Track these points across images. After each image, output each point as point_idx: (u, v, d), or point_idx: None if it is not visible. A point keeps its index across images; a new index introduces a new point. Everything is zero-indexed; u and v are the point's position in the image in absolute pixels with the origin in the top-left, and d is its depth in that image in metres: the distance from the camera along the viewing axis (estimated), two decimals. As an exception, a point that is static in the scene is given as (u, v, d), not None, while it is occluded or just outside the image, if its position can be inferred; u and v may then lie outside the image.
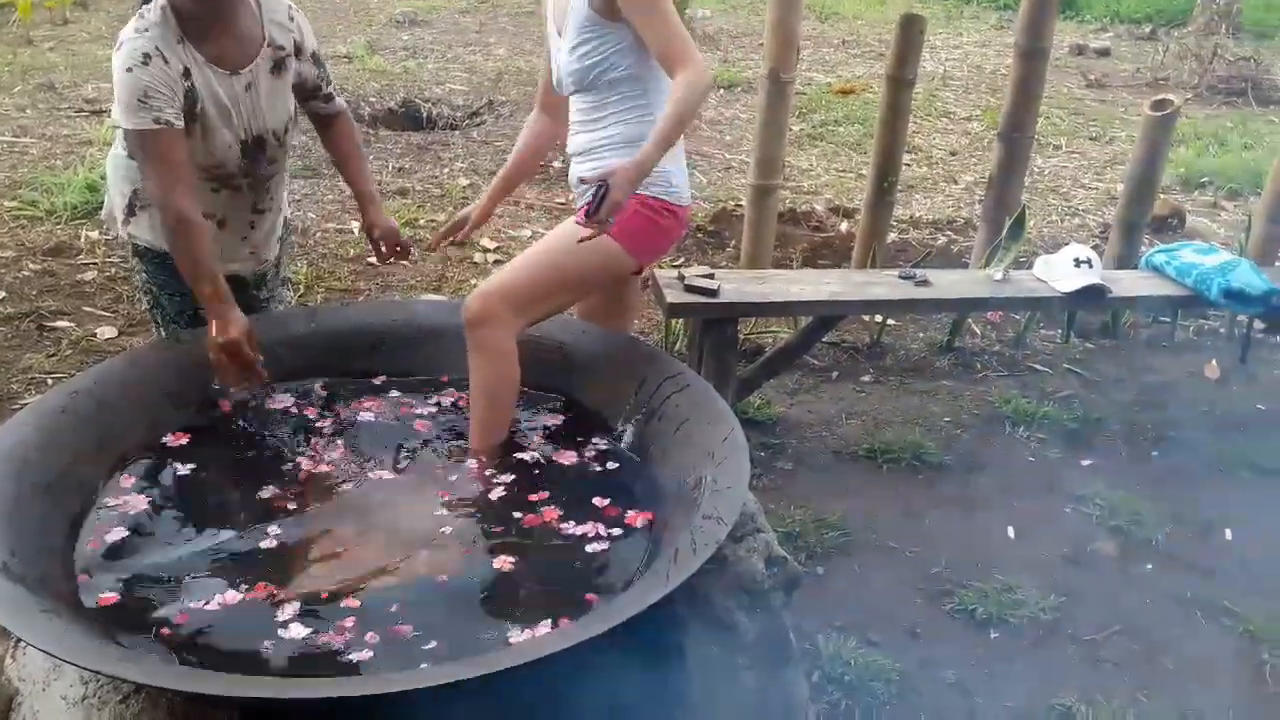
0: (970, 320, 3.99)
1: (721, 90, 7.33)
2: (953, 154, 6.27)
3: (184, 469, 1.95)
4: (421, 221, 4.73)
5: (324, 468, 2.01)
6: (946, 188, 5.70)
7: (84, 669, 1.38)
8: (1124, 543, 2.81)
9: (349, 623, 1.59)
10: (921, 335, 4.00)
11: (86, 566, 1.67)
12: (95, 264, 4.10)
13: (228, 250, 2.24)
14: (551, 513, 1.92)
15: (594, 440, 2.13)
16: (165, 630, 1.55)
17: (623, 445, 2.13)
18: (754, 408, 3.27)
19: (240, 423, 2.10)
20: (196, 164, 2.07)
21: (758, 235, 4.17)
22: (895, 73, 3.87)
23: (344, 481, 1.98)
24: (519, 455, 2.08)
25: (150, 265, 2.26)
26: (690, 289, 2.88)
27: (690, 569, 1.56)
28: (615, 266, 2.17)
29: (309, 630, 1.56)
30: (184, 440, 2.03)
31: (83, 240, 4.27)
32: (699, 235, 4.71)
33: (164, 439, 2.01)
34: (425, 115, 6.79)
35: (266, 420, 2.12)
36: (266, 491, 1.92)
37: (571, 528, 1.88)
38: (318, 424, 2.14)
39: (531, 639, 1.58)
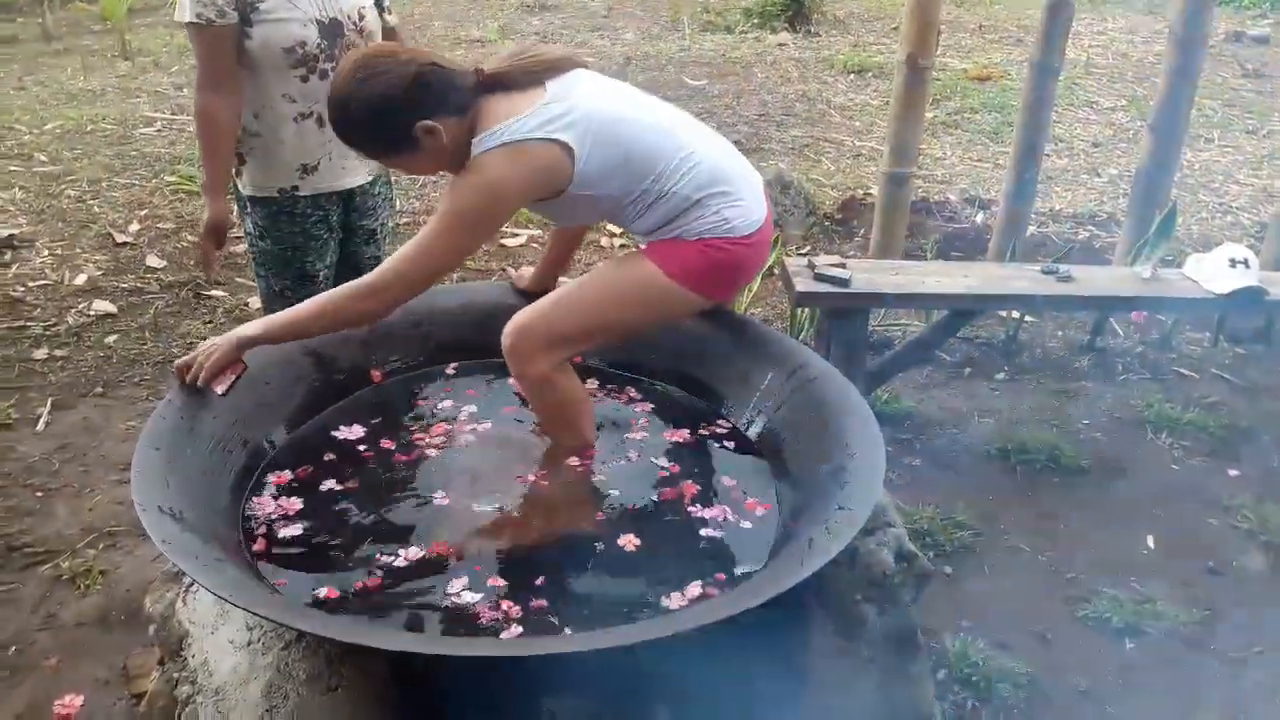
0: (1112, 319, 3.84)
1: (852, 75, 7.21)
2: (1095, 145, 6.02)
3: (342, 432, 2.04)
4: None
5: (466, 438, 2.07)
6: (1089, 180, 5.48)
7: (254, 614, 1.47)
8: (1275, 559, 2.68)
9: (498, 583, 1.65)
10: (1060, 333, 3.87)
11: (250, 521, 1.77)
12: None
13: (337, 154, 2.40)
14: (687, 489, 1.95)
15: (721, 426, 2.14)
16: (329, 590, 1.63)
17: (750, 433, 2.14)
18: (881, 401, 3.23)
19: (390, 391, 2.19)
20: (280, 50, 2.24)
21: (889, 224, 4.09)
22: (1040, 60, 3.74)
23: (482, 454, 2.04)
24: (644, 436, 2.10)
25: (257, 212, 2.44)
26: (820, 278, 2.86)
27: (826, 556, 1.56)
28: (682, 309, 2.01)
29: (460, 596, 1.62)
30: (339, 404, 2.12)
31: (235, 215, 4.48)
32: (826, 224, 4.66)
33: (320, 403, 2.10)
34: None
35: (411, 393, 2.20)
36: (413, 459, 1.99)
37: (700, 510, 1.90)
38: (456, 400, 2.20)
39: (673, 612, 1.61)
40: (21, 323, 3.63)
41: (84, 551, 2.55)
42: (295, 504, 1.83)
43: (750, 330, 2.26)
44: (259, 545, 1.72)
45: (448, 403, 2.18)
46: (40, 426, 3.07)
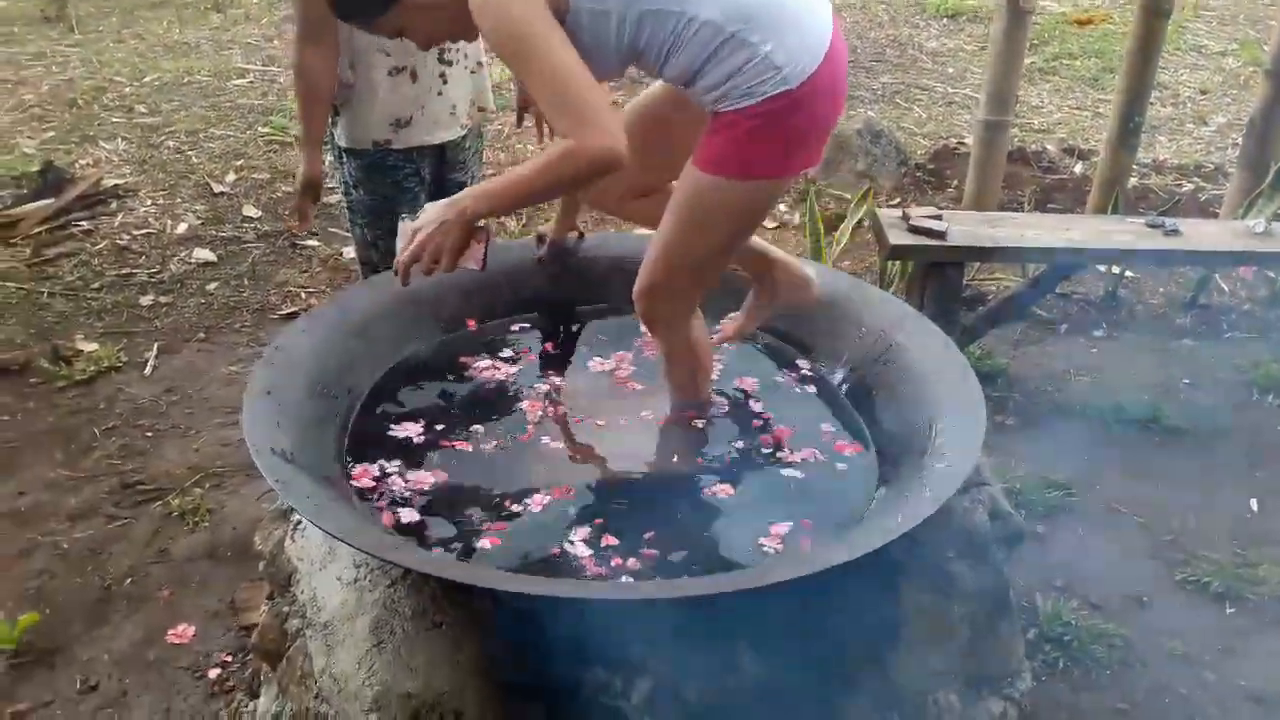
0: (1217, 275, 3.69)
1: (945, 20, 6.98)
2: (1203, 93, 5.75)
3: (444, 381, 2.08)
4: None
5: (570, 389, 2.10)
6: (1195, 130, 5.25)
7: (361, 551, 1.52)
8: (1386, 526, 2.58)
9: (602, 526, 1.70)
10: (1161, 290, 3.73)
11: (357, 463, 1.83)
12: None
13: (429, 109, 2.43)
14: (781, 433, 1.96)
15: (813, 375, 2.14)
16: (433, 529, 1.69)
17: (843, 385, 2.12)
18: (974, 358, 3.16)
19: (490, 339, 2.22)
20: None
21: (984, 175, 3.99)
22: (1149, 2, 3.57)
23: (588, 406, 2.06)
24: (742, 389, 2.10)
25: (351, 163, 2.49)
26: (915, 230, 2.80)
27: (925, 513, 1.55)
28: (765, 199, 1.84)
29: (573, 545, 1.66)
30: (443, 352, 2.16)
31: (328, 164, 4.56)
32: (918, 174, 4.55)
33: (420, 351, 2.15)
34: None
35: (511, 341, 2.23)
36: (522, 404, 2.03)
37: (790, 455, 1.91)
38: (557, 350, 2.23)
39: (765, 563, 1.63)
40: (128, 270, 3.76)
41: (191, 490, 2.66)
42: (403, 447, 1.87)
43: (842, 284, 2.24)
44: (367, 485, 1.77)
45: (541, 349, 2.21)
46: (148, 370, 3.20)
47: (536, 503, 1.76)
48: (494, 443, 1.92)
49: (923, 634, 1.78)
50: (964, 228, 2.86)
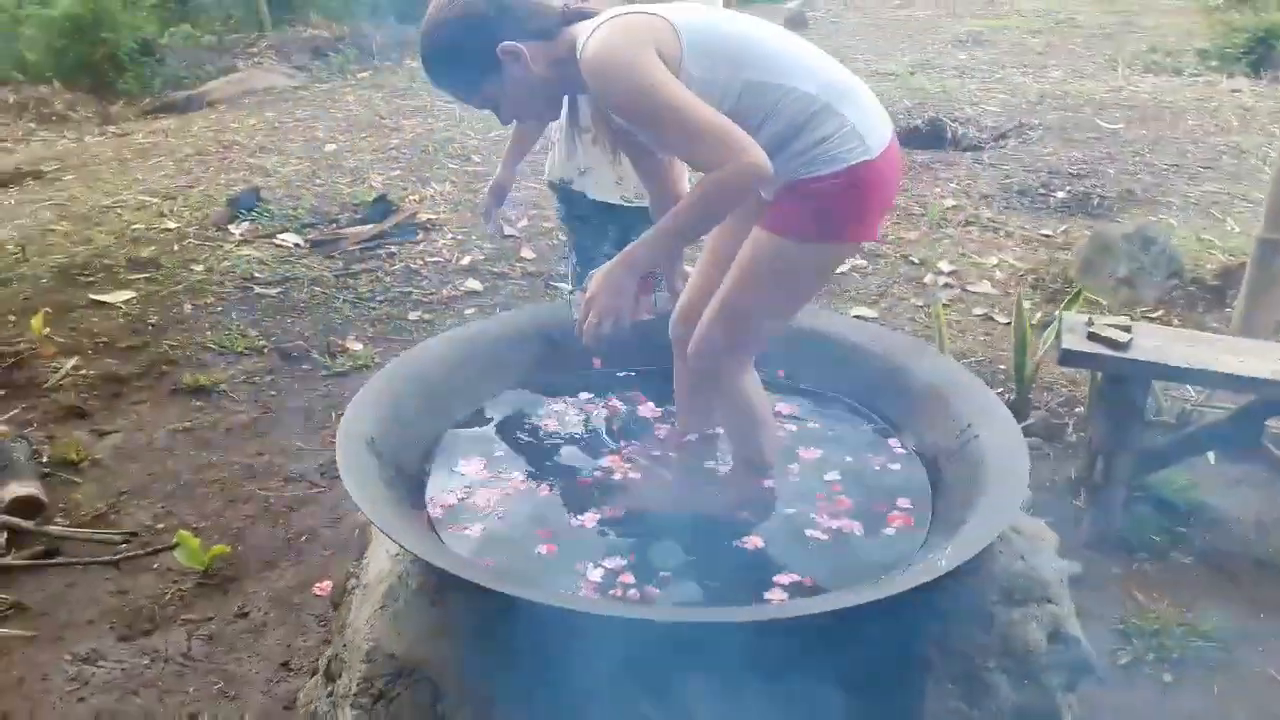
0: None
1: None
2: None
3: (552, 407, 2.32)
4: (890, 237, 4.78)
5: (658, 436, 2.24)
6: None
7: (376, 526, 1.78)
8: None
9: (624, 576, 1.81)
10: None
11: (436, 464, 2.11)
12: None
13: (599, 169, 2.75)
14: (842, 503, 2.00)
15: (893, 453, 2.16)
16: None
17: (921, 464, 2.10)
18: (1172, 486, 2.87)
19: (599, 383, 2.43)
20: None
21: (1258, 297, 3.59)
22: None
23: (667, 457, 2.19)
24: (816, 454, 2.15)
25: (558, 199, 2.90)
26: (1094, 337, 2.63)
27: (891, 590, 1.55)
28: (830, 263, 1.96)
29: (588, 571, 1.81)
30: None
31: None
32: (1192, 289, 4.15)
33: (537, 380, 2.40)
34: (950, 134, 6.76)
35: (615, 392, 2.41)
36: (602, 454, 2.19)
37: (837, 521, 1.95)
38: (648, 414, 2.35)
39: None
40: (410, 289, 4.40)
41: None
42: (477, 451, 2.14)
43: (945, 370, 2.20)
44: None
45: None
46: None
47: (585, 521, 1.93)
48: (568, 463, 2.13)
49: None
50: (1153, 342, 2.64)
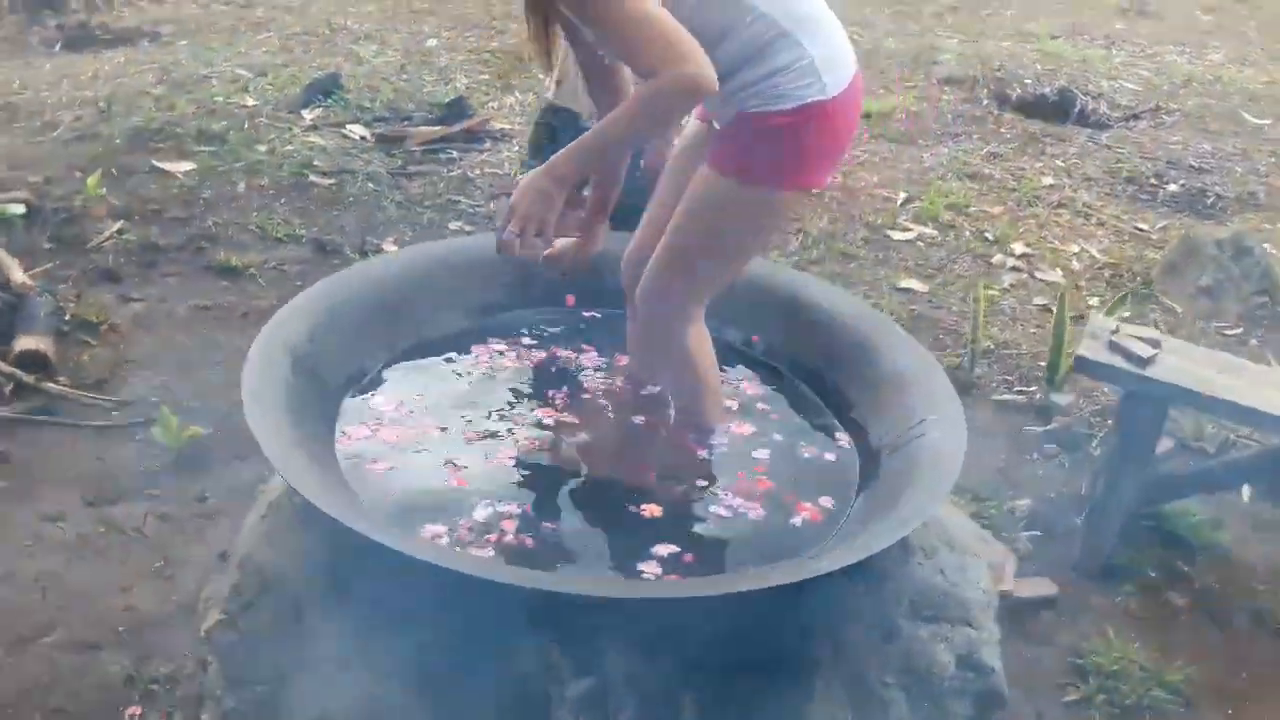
0: None
1: None
2: None
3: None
4: (971, 209, 4.49)
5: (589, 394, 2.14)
6: None
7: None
8: None
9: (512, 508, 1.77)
10: None
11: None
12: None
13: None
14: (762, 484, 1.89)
15: (839, 440, 2.03)
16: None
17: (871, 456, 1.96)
18: (1186, 520, 2.62)
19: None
20: None
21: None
22: None
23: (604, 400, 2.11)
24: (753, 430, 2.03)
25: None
26: (1114, 347, 2.39)
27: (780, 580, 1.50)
28: (776, 211, 1.84)
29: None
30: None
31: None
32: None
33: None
34: (1079, 108, 6.29)
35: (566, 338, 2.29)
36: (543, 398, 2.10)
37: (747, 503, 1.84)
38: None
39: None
40: (460, 198, 4.35)
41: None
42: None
43: (913, 356, 2.04)
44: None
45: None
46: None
47: (497, 462, 1.87)
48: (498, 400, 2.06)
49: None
50: (1182, 363, 2.39)
